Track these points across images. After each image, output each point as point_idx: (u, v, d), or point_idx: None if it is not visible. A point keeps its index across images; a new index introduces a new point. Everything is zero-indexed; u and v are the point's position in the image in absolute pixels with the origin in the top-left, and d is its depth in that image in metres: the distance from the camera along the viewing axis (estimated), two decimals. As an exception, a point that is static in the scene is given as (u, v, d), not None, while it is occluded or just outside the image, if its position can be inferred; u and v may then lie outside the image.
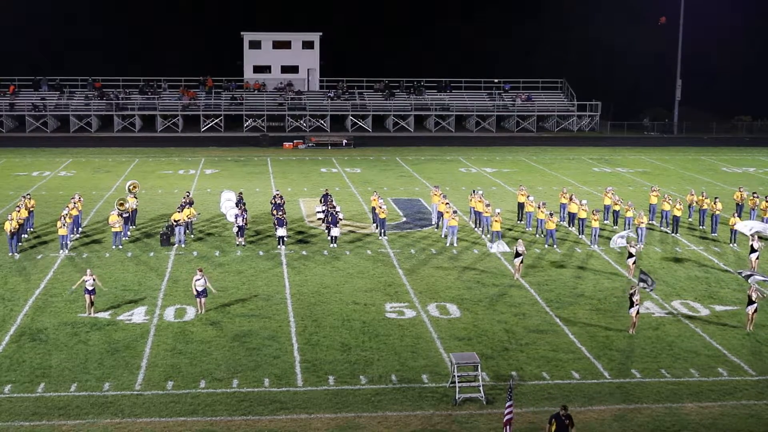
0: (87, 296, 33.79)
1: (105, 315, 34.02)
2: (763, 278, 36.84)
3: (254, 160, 76.90)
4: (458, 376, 26.96)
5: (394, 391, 27.53)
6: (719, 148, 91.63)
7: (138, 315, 34.19)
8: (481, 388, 26.89)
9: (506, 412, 23.75)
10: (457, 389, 26.71)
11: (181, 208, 46.72)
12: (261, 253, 43.61)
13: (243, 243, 44.70)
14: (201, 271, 34.44)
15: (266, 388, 27.55)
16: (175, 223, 44.60)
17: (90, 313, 33.59)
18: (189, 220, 46.38)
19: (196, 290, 33.98)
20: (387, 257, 43.21)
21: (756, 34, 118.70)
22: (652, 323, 33.82)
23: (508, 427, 23.69)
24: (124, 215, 45.98)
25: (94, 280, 33.72)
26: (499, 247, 44.15)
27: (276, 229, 44.72)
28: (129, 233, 46.65)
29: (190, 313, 34.25)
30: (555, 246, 45.15)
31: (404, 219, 52.12)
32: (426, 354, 30.63)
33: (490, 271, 41.05)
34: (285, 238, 44.57)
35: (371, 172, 70.39)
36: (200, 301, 34.16)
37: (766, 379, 29.00)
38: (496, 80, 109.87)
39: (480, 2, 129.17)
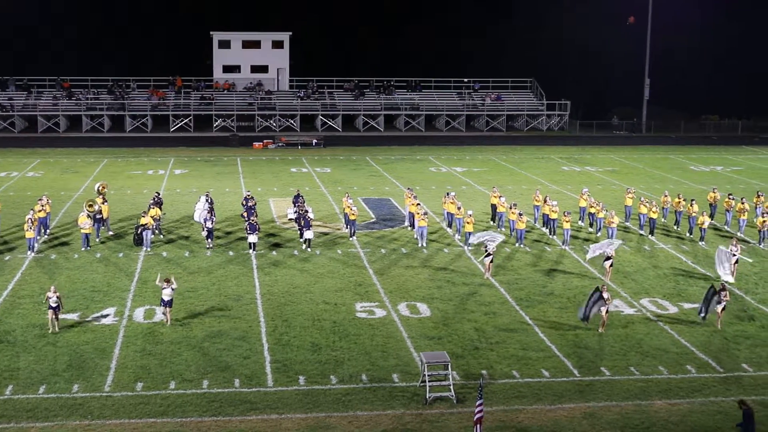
0: (50, 312, 32.03)
1: (74, 316, 33.81)
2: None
3: (224, 160, 76.66)
4: (429, 375, 26.99)
5: (365, 390, 27.54)
6: (687, 146, 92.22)
7: (107, 316, 34.00)
8: (451, 387, 26.95)
9: (477, 410, 23.82)
10: (428, 388, 26.75)
11: (150, 207, 46.58)
12: (231, 253, 43.48)
13: (212, 246, 44.20)
14: (168, 281, 33.15)
15: (236, 389, 27.49)
16: (142, 228, 43.94)
17: (54, 329, 32.03)
18: (157, 220, 46.15)
19: (163, 300, 33.06)
20: (357, 257, 43.20)
21: (723, 34, 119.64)
22: (621, 321, 34.02)
23: (478, 425, 23.75)
24: (98, 216, 45.55)
25: (58, 297, 32.07)
26: (478, 239, 43.55)
27: (248, 234, 43.95)
28: (101, 235, 46.04)
29: (160, 314, 34.08)
30: (523, 245, 45.06)
31: (374, 219, 52.11)
32: (396, 353, 30.65)
33: (461, 270, 41.13)
34: (256, 244, 43.79)
35: (341, 172, 70.34)
36: (167, 311, 32.98)
37: (734, 375, 29.25)
38: (465, 80, 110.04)
39: (450, 2, 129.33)
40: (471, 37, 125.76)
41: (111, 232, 47.02)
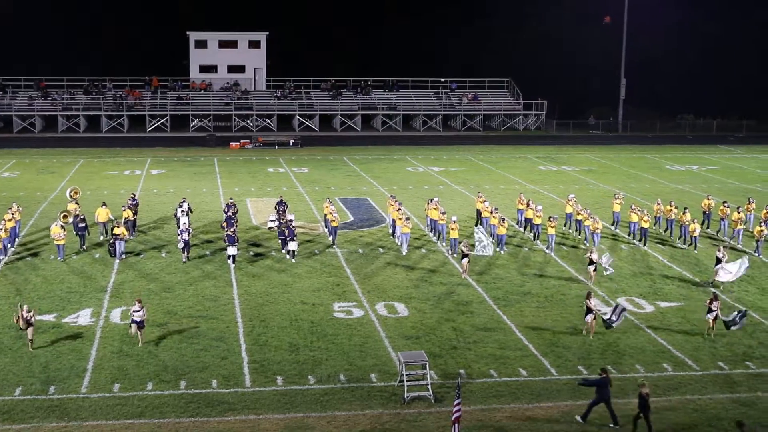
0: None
1: (50, 318, 33.64)
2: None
3: (201, 160, 76.46)
4: (406, 375, 27.02)
5: (343, 390, 27.54)
6: (663, 146, 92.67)
7: (83, 317, 33.85)
8: (429, 387, 26.99)
9: (454, 410, 23.86)
10: (406, 388, 26.78)
11: (126, 208, 46.45)
12: (209, 253, 43.36)
13: (187, 260, 41.86)
14: (140, 302, 31.33)
15: (214, 390, 27.43)
16: (114, 237, 42.28)
17: (29, 348, 30.66)
18: (130, 221, 45.88)
19: (134, 320, 31.09)
20: (335, 257, 43.18)
21: (699, 34, 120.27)
22: (597, 320, 34.10)
23: (456, 425, 23.80)
24: (80, 225, 43.96)
25: (32, 313, 30.64)
26: (485, 250, 43.16)
27: (227, 246, 41.97)
28: (86, 245, 44.21)
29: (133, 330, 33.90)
30: (504, 251, 44.18)
31: (352, 219, 52.08)
32: (374, 353, 30.67)
33: (438, 270, 41.18)
34: (235, 257, 41.70)
35: (319, 172, 70.28)
36: (138, 333, 31.11)
37: (710, 374, 29.42)
38: (442, 80, 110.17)
39: (427, 2, 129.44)
40: (448, 37, 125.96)
41: (133, 235, 46.23)
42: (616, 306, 33.19)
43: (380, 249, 44.87)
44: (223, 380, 28.15)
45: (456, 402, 23.92)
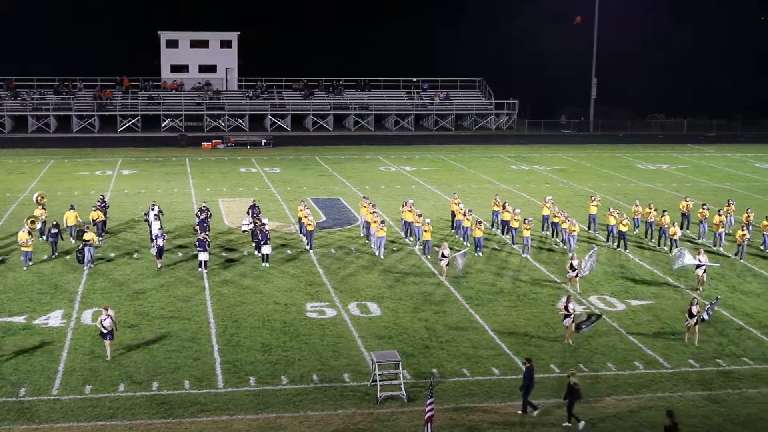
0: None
1: (20, 319, 33.42)
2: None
3: (172, 161, 76.15)
4: (379, 375, 27.04)
5: (316, 390, 27.53)
6: (634, 145, 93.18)
7: (54, 319, 33.64)
8: (402, 386, 27.02)
9: (427, 409, 23.90)
10: (379, 387, 26.80)
11: (95, 209, 46.15)
12: (180, 254, 43.20)
13: (161, 267, 40.67)
14: (107, 309, 30.20)
15: (186, 390, 27.34)
16: (84, 244, 40.86)
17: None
18: (99, 222, 45.48)
19: (102, 330, 29.79)
20: (307, 257, 43.12)
21: (669, 34, 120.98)
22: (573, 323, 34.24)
23: (429, 424, 23.84)
24: (53, 231, 42.75)
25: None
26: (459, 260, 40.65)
27: (198, 251, 40.81)
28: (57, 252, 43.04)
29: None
30: (480, 254, 43.54)
31: (324, 218, 52.03)
32: (347, 353, 30.67)
33: (410, 269, 41.22)
34: (207, 263, 40.41)
35: (291, 172, 70.18)
36: (106, 344, 29.84)
37: (681, 371, 29.62)
38: (414, 79, 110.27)
39: (399, 2, 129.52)
40: (420, 37, 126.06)
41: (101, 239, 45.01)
42: (592, 315, 33.27)
43: (353, 249, 44.86)
44: (196, 381, 28.07)
45: (429, 401, 23.96)
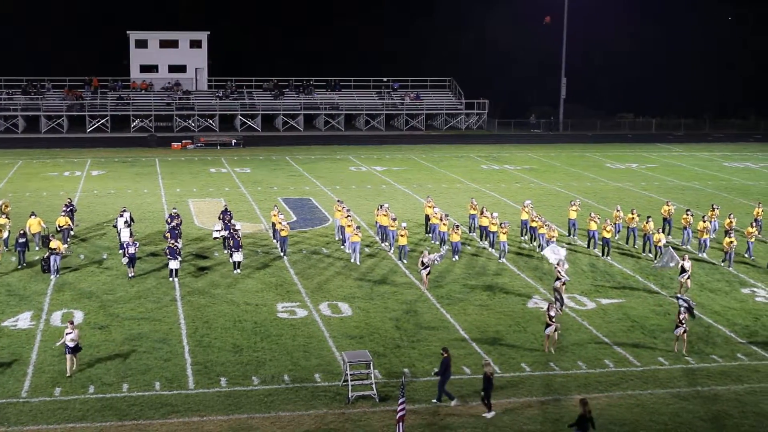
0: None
1: (-11, 321, 33.18)
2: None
3: (142, 161, 75.80)
4: (351, 375, 27.05)
5: (287, 391, 27.49)
6: (603, 144, 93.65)
7: (23, 320, 33.41)
8: (373, 386, 27.04)
9: (399, 409, 23.92)
10: (350, 387, 26.80)
11: (64, 214, 45.27)
12: (149, 250, 42.97)
13: (133, 276, 39.38)
14: (72, 323, 28.85)
15: (157, 392, 27.23)
16: (49, 252, 39.31)
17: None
18: (67, 229, 44.54)
19: (67, 346, 28.37)
20: (278, 257, 43.04)
21: (638, 34, 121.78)
22: (540, 317, 34.38)
23: (400, 424, 23.86)
24: (20, 240, 40.87)
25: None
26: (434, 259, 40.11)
27: (168, 260, 39.56)
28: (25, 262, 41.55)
29: (78, 317, 33.58)
30: (457, 258, 42.99)
31: (295, 218, 51.95)
32: (318, 353, 30.65)
33: (381, 269, 41.23)
34: (177, 271, 39.29)
35: (261, 172, 70.03)
36: (70, 358, 28.45)
37: (651, 369, 29.81)
38: (385, 79, 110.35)
39: (369, 2, 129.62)
40: (390, 37, 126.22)
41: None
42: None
43: (324, 249, 44.82)
44: (166, 382, 27.96)
45: (400, 401, 23.98)
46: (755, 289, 39.13)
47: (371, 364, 27.49)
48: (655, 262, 40.54)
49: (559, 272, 35.81)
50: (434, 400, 26.79)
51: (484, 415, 25.90)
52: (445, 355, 26.96)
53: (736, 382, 28.85)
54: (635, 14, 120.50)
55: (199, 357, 30.09)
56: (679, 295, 33.68)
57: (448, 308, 35.64)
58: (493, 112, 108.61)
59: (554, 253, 39.17)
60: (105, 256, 42.89)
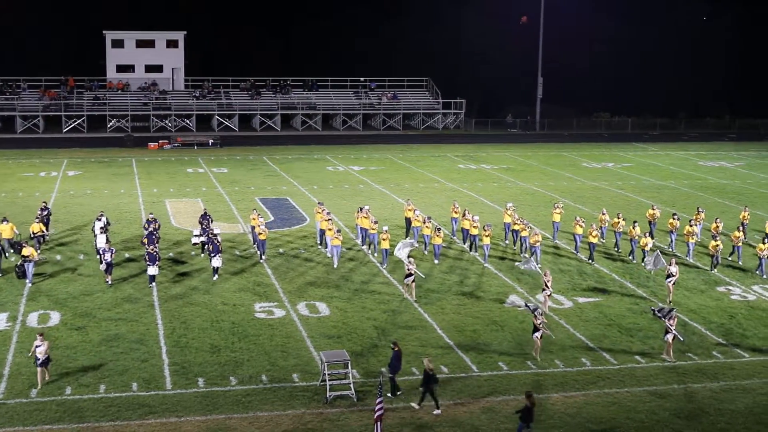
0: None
1: (-36, 323, 32.99)
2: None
3: (119, 161, 75.50)
4: (328, 374, 27.07)
5: (265, 391, 27.48)
6: (580, 144, 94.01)
7: (-1, 322, 33.28)
8: (351, 386, 27.07)
9: (377, 408, 23.97)
10: (328, 387, 26.82)
11: (38, 220, 44.06)
12: (127, 255, 42.83)
13: (111, 283, 38.29)
14: (42, 335, 27.86)
15: (134, 393, 27.17)
16: (23, 259, 38.34)
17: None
18: (40, 235, 43.65)
19: (37, 358, 27.51)
20: (255, 257, 42.97)
21: (614, 34, 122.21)
22: (517, 316, 34.53)
23: (379, 423, 23.91)
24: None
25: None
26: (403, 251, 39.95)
27: (147, 266, 38.48)
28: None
29: (54, 318, 33.46)
30: (438, 261, 42.66)
31: (272, 218, 51.90)
32: (296, 353, 30.65)
33: (359, 269, 41.25)
34: (155, 277, 38.47)
35: (238, 172, 69.90)
36: (41, 371, 27.62)
37: (627, 367, 29.97)
38: (362, 79, 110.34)
39: (346, 1, 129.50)
40: (367, 36, 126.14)
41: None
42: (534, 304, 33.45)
43: (301, 249, 44.80)
44: (144, 383, 27.89)
45: (378, 400, 24.03)
46: (730, 288, 39.44)
47: (349, 364, 27.52)
48: (645, 262, 40.67)
49: (546, 283, 35.54)
50: (389, 395, 27.13)
51: (434, 412, 26.23)
52: (396, 348, 27.58)
53: (711, 380, 29.06)
54: (611, 14, 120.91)
55: (176, 357, 30.03)
56: (654, 309, 32.97)
57: (426, 308, 35.69)
58: (470, 112, 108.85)
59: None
60: (81, 258, 42.71)
